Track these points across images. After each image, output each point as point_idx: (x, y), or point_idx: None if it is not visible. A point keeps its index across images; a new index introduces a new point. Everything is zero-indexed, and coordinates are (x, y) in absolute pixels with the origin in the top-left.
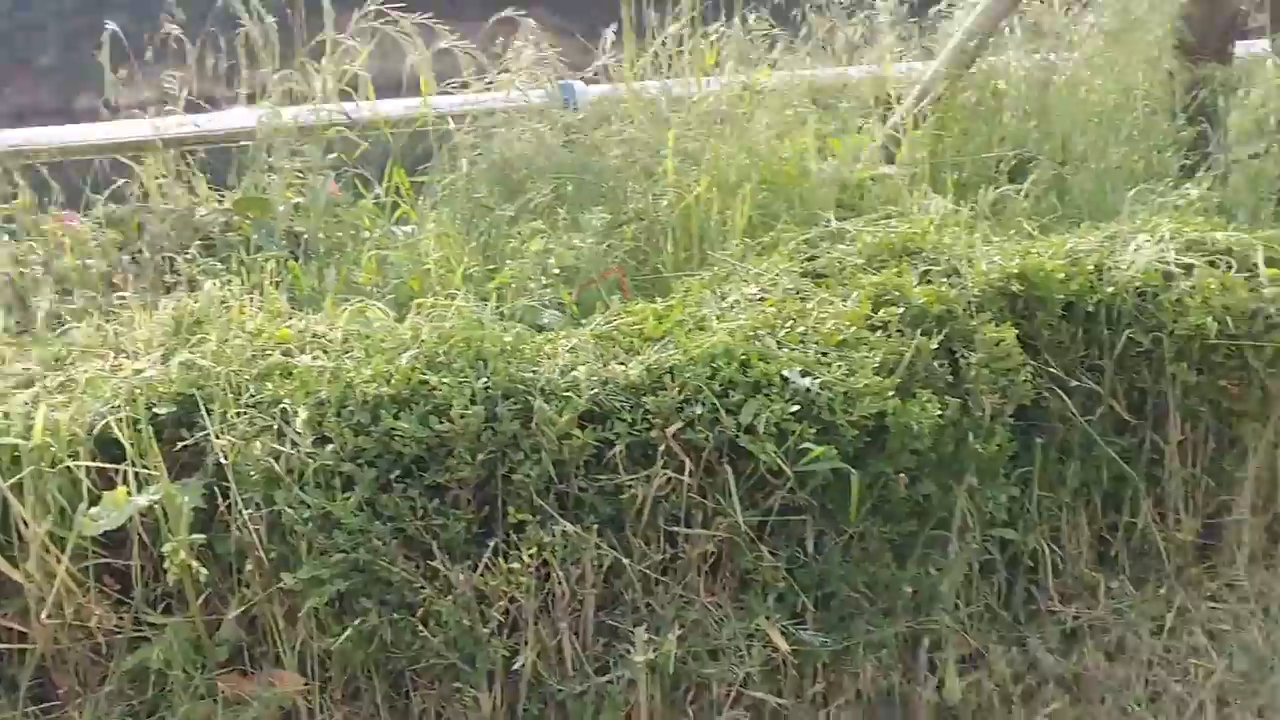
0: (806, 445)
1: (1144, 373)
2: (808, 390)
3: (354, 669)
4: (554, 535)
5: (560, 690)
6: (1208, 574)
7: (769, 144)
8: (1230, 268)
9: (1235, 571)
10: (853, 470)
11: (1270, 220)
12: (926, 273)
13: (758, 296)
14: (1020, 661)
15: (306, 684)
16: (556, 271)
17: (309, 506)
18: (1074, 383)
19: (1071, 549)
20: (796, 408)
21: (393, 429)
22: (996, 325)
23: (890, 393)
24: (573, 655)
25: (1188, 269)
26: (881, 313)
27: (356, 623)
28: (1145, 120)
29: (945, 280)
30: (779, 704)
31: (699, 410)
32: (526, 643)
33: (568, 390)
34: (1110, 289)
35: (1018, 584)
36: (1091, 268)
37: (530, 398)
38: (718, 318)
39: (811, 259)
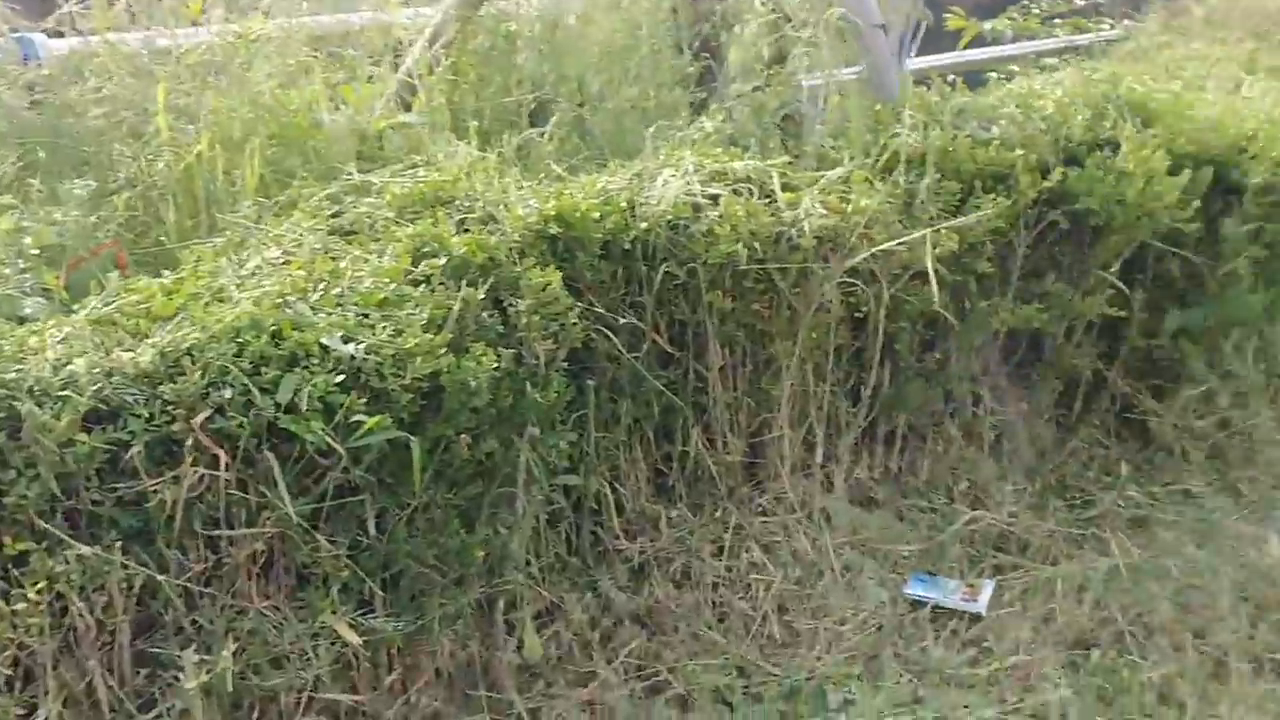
0: (358, 417)
1: (682, 304)
2: (352, 357)
3: None
4: (66, 562)
5: None
6: (757, 490)
7: (274, 95)
8: (752, 195)
9: (780, 485)
10: (411, 438)
11: (778, 149)
12: (463, 221)
13: (282, 260)
14: (595, 606)
15: None
16: (35, 252)
17: None
18: (620, 320)
19: (631, 486)
20: (342, 377)
21: None
22: (541, 270)
23: (443, 350)
24: (109, 696)
25: (714, 199)
26: (422, 266)
27: None
28: (654, 58)
29: (483, 228)
30: (355, 701)
31: (228, 393)
32: (47, 692)
33: (64, 389)
34: (644, 224)
35: (584, 529)
36: (624, 205)
37: (16, 402)
38: (238, 287)
39: (337, 215)
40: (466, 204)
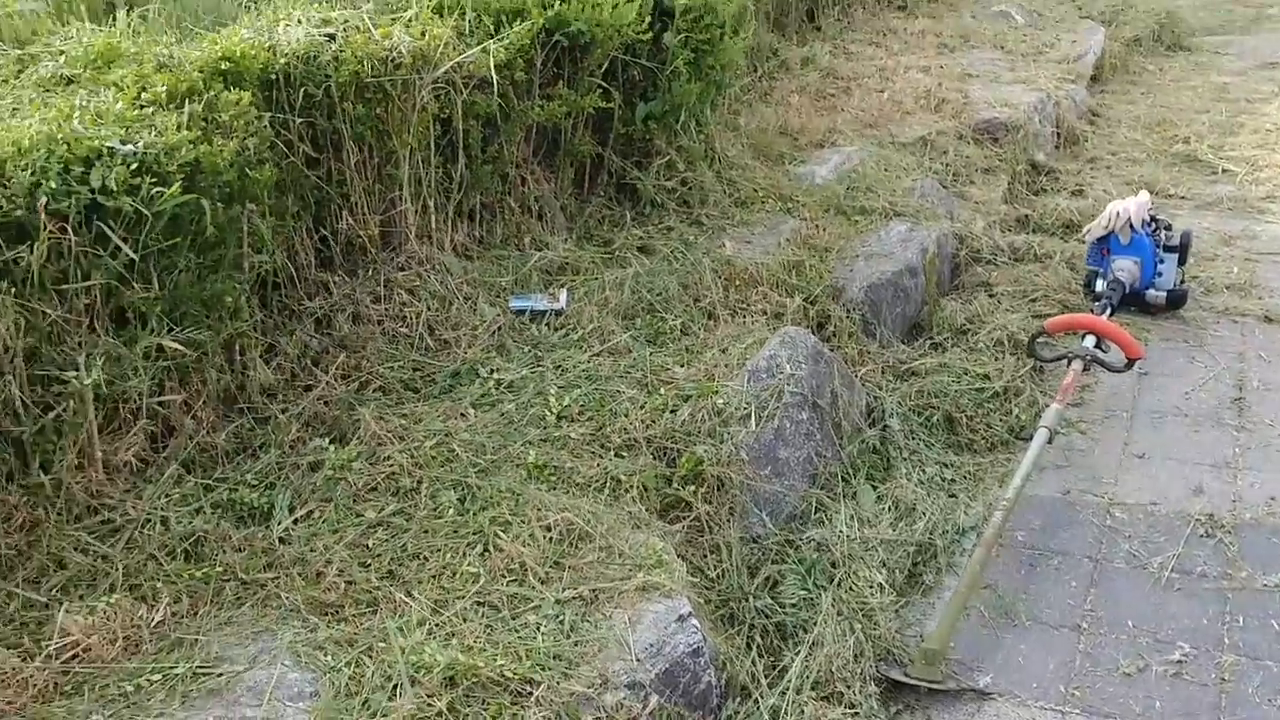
0: (157, 190)
1: (320, 117)
2: (134, 153)
3: None
4: None
5: None
6: (394, 253)
7: None
8: (357, 31)
9: (410, 247)
10: (201, 199)
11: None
12: (160, 67)
13: (12, 105)
14: (299, 344)
15: None
16: None
17: None
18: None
19: (303, 260)
20: (135, 166)
21: None
22: (230, 92)
23: (194, 141)
24: (19, 396)
25: (330, 37)
26: (145, 95)
27: None
28: None
29: (164, 71)
30: (168, 405)
31: (54, 184)
32: None
33: None
34: (284, 59)
35: (271, 295)
36: (267, 48)
37: None
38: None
39: (18, 75)
40: (140, 56)
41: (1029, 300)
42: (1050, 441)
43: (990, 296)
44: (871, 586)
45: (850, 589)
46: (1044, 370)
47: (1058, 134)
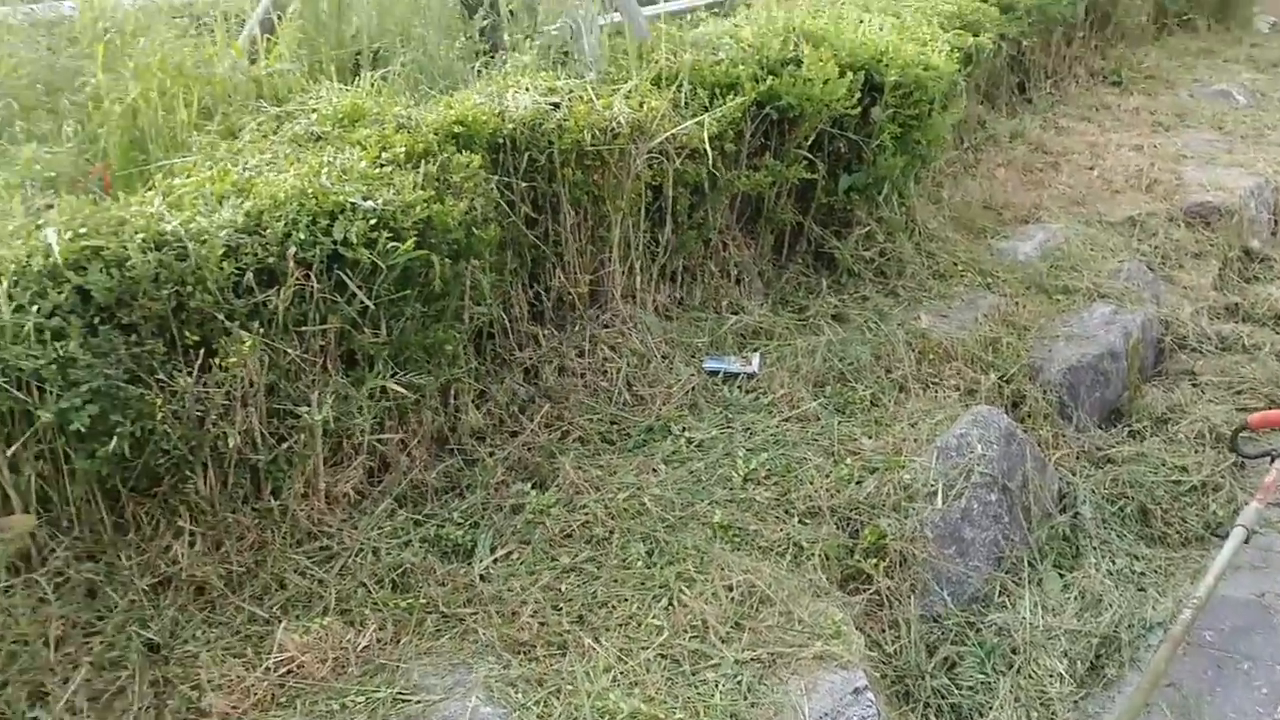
0: (392, 244)
1: (541, 180)
2: (374, 209)
3: None
4: (240, 342)
5: None
6: (599, 310)
7: (184, 53)
8: (580, 101)
9: (615, 305)
10: (431, 255)
11: (573, 74)
12: (399, 128)
13: (269, 160)
14: (508, 392)
15: None
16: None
17: None
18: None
19: (516, 313)
20: (374, 221)
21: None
22: (462, 154)
23: (428, 201)
24: (258, 428)
25: (555, 105)
26: (384, 155)
27: None
28: (448, 13)
29: (403, 131)
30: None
31: (303, 235)
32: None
33: (202, 237)
34: (511, 125)
35: (485, 344)
36: (496, 113)
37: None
38: (260, 174)
39: (276, 130)
40: (381, 118)
41: (1234, 392)
42: (1247, 541)
43: (1194, 386)
44: (1052, 676)
45: (1030, 676)
46: (1245, 466)
47: (1275, 221)
